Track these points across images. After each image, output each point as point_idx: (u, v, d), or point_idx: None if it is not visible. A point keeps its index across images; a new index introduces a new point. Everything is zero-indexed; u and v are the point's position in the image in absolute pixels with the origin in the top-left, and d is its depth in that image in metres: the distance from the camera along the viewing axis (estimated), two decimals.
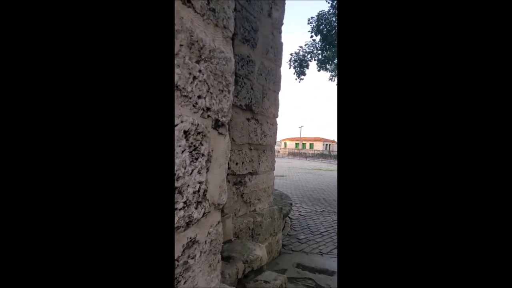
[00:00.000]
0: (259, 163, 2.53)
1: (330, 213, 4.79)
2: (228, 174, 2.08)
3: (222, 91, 1.01)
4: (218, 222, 1.09)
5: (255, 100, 2.38)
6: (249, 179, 2.38)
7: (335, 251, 2.99)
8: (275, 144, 2.93)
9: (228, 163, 2.16)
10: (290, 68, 10.68)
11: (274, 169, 2.88)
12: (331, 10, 9.49)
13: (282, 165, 16.96)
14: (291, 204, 3.87)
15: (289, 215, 4.14)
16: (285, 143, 46.66)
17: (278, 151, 39.71)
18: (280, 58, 2.79)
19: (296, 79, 10.77)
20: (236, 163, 2.18)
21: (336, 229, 3.77)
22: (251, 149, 2.38)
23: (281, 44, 2.78)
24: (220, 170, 1.05)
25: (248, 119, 2.31)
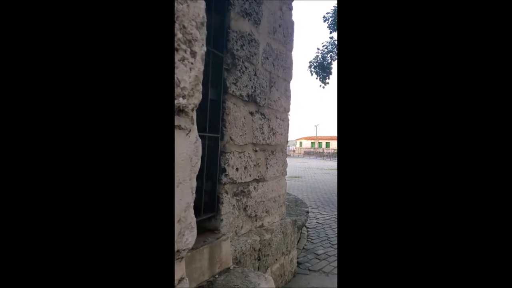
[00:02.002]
0: (267, 168, 2.07)
1: None
2: (225, 183, 1.63)
3: (177, 50, 0.56)
4: (181, 279, 0.64)
5: (260, 90, 1.92)
6: (254, 188, 1.93)
7: None
8: (288, 143, 2.46)
9: (225, 169, 1.71)
10: (312, 75, 9.87)
11: (286, 174, 2.41)
12: None
13: (297, 165, 16.39)
14: (307, 212, 3.38)
15: (305, 225, 3.66)
16: (300, 142, 45.81)
17: (294, 151, 39.05)
18: (291, 40, 2.32)
19: (320, 85, 9.85)
20: (237, 169, 1.73)
21: None
22: (256, 151, 1.93)
23: (292, 23, 2.31)
24: (181, 191, 0.61)
25: (251, 113, 1.85)
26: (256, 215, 1.96)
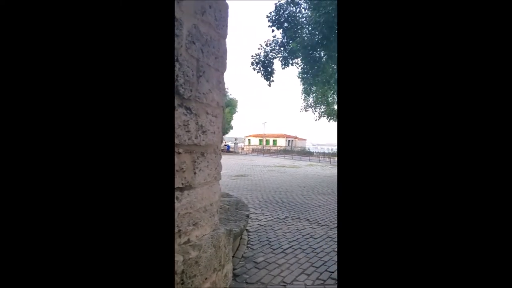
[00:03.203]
0: (195, 173, 1.76)
1: (294, 219, 4.19)
2: None
3: None
4: None
5: (183, 79, 1.59)
6: (177, 198, 1.60)
7: (302, 277, 2.35)
8: (222, 143, 2.17)
9: None
10: (257, 72, 9.72)
11: (221, 178, 2.13)
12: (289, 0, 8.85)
13: (245, 163, 16.28)
14: (248, 216, 3.16)
15: (246, 228, 3.44)
16: (249, 140, 46.17)
17: (242, 148, 39.09)
18: (225, 26, 2.04)
19: (267, 83, 9.74)
20: None
21: (301, 243, 3.16)
22: (179, 153, 1.60)
23: (225, 6, 2.03)
24: None
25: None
26: (180, 230, 1.64)
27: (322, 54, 8.36)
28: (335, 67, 8.86)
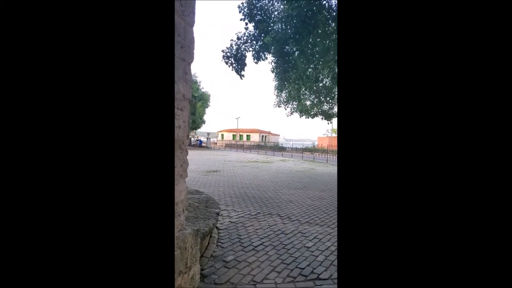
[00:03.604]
0: None
1: (265, 215, 4.17)
2: None
3: None
4: None
5: None
6: None
7: (272, 275, 2.32)
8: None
9: None
10: (229, 66, 9.44)
11: (187, 175, 2.00)
12: None
13: (217, 158, 16.06)
14: (218, 213, 3.06)
15: (216, 226, 3.35)
16: (222, 135, 45.70)
17: (215, 143, 38.58)
18: (192, 13, 1.90)
19: (240, 77, 9.51)
20: None
21: (272, 240, 3.14)
22: None
23: None
24: None
25: None
26: None
27: (295, 49, 8.34)
28: (308, 63, 8.94)
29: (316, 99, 13.56)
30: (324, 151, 19.39)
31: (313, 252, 2.84)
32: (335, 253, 2.84)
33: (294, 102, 14.17)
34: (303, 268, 2.46)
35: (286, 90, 13.58)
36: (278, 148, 26.20)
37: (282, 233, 3.40)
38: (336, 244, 3.09)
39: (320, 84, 11.96)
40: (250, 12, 8.71)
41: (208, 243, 2.87)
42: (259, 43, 9.05)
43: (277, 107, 14.71)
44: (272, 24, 8.42)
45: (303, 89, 12.58)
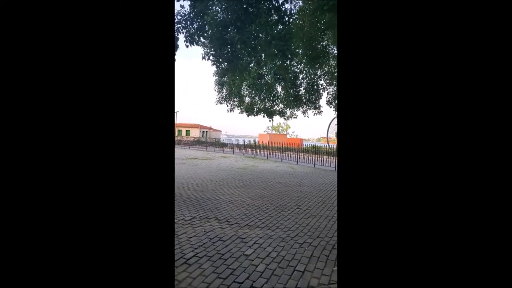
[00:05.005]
0: None
1: (202, 220, 3.79)
2: None
3: None
4: None
5: None
6: None
7: None
8: None
9: None
10: None
11: None
12: None
13: None
14: None
15: None
16: None
17: None
18: None
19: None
20: None
21: (208, 249, 2.79)
22: None
23: None
24: None
25: None
26: None
27: (237, 39, 7.89)
28: (249, 56, 8.66)
29: (256, 97, 13.51)
30: (265, 147, 19.69)
31: (252, 260, 2.59)
32: (276, 259, 2.64)
33: (235, 99, 13.89)
34: (242, 283, 2.18)
35: (226, 86, 13.21)
36: (219, 144, 25.70)
37: (219, 240, 3.08)
38: (276, 249, 2.90)
39: (262, 81, 11.93)
40: None
41: None
42: (194, 25, 8.22)
43: (219, 103, 14.21)
44: (211, 7, 7.78)
45: (245, 85, 12.39)
